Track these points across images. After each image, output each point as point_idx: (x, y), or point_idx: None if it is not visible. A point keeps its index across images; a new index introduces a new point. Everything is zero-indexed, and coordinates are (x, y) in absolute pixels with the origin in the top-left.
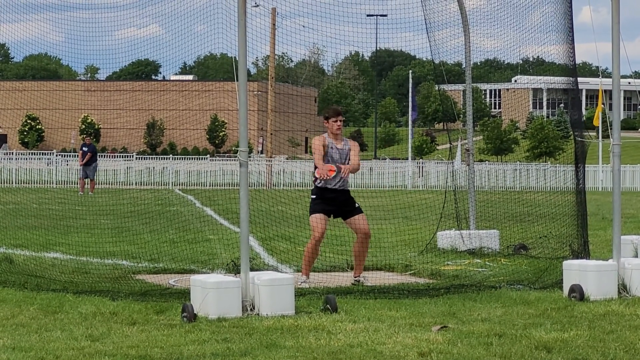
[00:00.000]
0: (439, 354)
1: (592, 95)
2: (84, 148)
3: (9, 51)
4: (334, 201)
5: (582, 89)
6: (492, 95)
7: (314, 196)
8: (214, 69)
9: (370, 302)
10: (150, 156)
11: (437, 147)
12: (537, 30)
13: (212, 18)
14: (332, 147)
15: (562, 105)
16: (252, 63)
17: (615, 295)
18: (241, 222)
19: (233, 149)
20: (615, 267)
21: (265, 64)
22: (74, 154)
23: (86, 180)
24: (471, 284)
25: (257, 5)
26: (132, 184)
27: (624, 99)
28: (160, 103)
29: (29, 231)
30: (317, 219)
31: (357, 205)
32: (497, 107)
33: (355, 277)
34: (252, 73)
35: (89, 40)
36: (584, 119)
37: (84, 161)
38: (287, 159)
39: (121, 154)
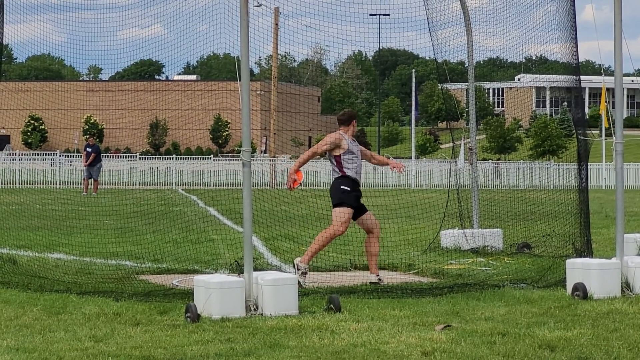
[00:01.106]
0: (442, 353)
1: (595, 94)
2: (87, 149)
3: (12, 52)
4: (358, 199)
5: (585, 87)
6: (495, 94)
7: (348, 188)
8: (217, 69)
9: (374, 302)
10: (154, 156)
11: (441, 146)
12: (540, 29)
13: (215, 18)
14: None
15: (565, 103)
16: (255, 63)
17: (619, 294)
18: (244, 222)
19: (236, 148)
20: (618, 265)
21: (268, 63)
22: (77, 154)
23: (90, 180)
24: (474, 283)
25: (260, 5)
26: (135, 184)
27: (627, 97)
28: (163, 103)
29: (32, 232)
30: (348, 213)
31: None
32: (500, 105)
33: (377, 276)
34: (255, 73)
35: (91, 41)
36: (587, 117)
37: (88, 162)
38: (291, 158)
39: (125, 154)
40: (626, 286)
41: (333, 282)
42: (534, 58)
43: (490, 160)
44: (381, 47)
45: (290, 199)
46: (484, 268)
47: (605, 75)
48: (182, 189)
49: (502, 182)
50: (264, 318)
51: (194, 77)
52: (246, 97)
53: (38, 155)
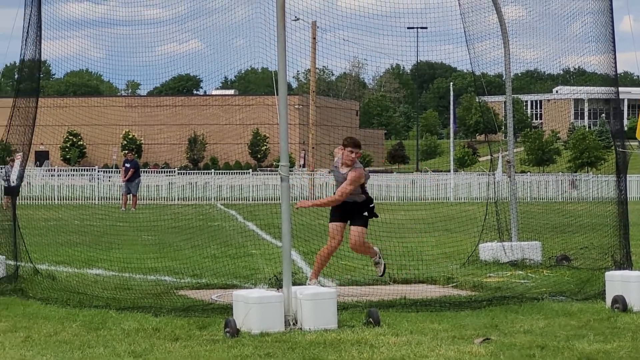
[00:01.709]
0: None
1: (634, 105)
2: (126, 164)
3: (50, 68)
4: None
5: (623, 99)
6: (533, 106)
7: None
8: (255, 83)
9: (413, 315)
10: (193, 171)
11: (479, 159)
12: (578, 40)
13: (252, 32)
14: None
15: (603, 115)
16: (293, 77)
17: None
18: (283, 236)
19: (274, 163)
20: None
21: (306, 77)
22: (115, 169)
23: (129, 196)
24: (513, 295)
25: (297, 19)
26: (174, 200)
27: None
28: (201, 118)
29: (71, 248)
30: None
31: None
32: (538, 118)
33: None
34: (293, 87)
35: (129, 56)
36: (626, 129)
37: (127, 177)
38: (329, 172)
39: (163, 169)
40: None
41: (372, 296)
42: (571, 70)
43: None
44: (419, 60)
45: (329, 213)
46: (522, 281)
47: None
48: (221, 204)
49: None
50: (303, 332)
51: (232, 91)
52: (283, 112)
53: (76, 171)
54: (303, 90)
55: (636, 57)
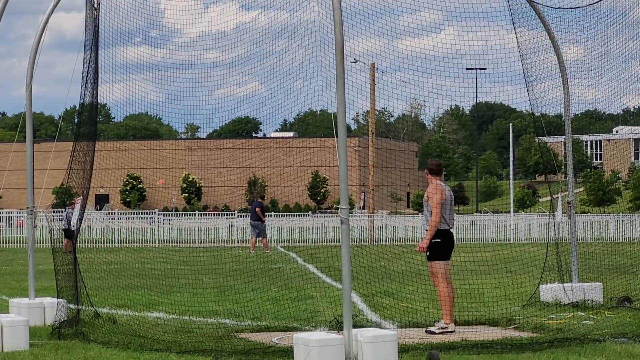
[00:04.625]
0: None
1: None
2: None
3: (110, 111)
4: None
5: None
6: (593, 147)
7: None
8: (314, 125)
9: (474, 357)
10: None
11: (539, 200)
12: (638, 80)
13: (311, 74)
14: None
15: None
16: (352, 119)
17: None
18: (343, 278)
19: (334, 206)
20: None
21: (365, 119)
22: (175, 212)
23: (258, 238)
24: (575, 337)
25: (356, 61)
26: (234, 242)
27: None
28: (261, 160)
29: (131, 291)
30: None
31: None
32: (598, 158)
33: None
34: (352, 129)
35: (189, 99)
36: None
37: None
38: (389, 214)
39: (223, 212)
40: None
41: (433, 337)
42: (631, 109)
43: (589, 213)
44: (478, 101)
45: (389, 255)
46: (584, 322)
47: None
48: (281, 246)
49: (602, 234)
50: None
51: (291, 134)
52: (343, 154)
53: (136, 214)
54: (362, 132)
55: None
